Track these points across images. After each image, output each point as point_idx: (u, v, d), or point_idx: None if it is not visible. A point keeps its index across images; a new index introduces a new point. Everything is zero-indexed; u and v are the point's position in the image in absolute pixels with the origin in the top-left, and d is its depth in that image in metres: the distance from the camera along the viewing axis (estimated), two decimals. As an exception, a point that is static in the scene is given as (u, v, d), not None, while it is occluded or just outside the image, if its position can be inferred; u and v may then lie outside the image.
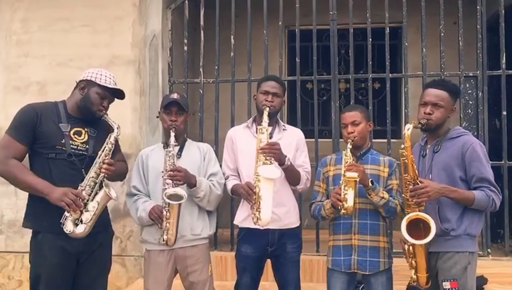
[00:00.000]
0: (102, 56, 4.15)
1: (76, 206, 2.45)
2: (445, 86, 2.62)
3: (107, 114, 2.70)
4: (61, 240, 2.54)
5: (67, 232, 2.47)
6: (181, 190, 2.67)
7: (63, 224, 2.47)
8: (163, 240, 2.68)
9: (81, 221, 2.50)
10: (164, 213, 2.65)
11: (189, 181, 2.75)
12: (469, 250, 2.54)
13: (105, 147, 2.63)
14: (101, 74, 2.69)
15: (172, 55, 4.44)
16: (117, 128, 2.68)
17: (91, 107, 2.65)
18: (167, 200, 2.62)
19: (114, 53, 4.22)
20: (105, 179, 2.59)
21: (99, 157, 2.60)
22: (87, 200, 2.52)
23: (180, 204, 2.64)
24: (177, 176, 2.68)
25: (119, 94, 2.79)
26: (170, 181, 2.68)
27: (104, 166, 2.56)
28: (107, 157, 2.61)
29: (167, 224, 2.66)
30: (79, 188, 2.52)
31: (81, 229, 2.49)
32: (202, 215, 2.89)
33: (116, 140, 2.83)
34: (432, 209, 2.54)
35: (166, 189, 2.66)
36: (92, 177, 2.56)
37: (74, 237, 2.50)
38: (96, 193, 2.56)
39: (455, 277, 2.49)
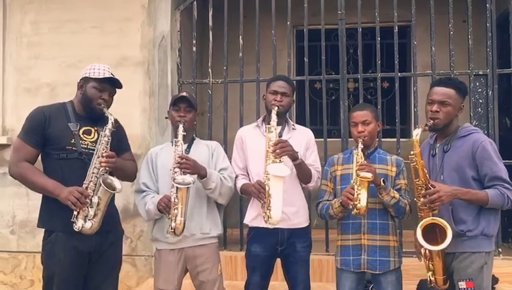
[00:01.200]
0: (111, 58, 4.18)
1: (81, 203, 2.46)
2: (452, 84, 2.60)
3: (105, 107, 2.66)
4: (74, 239, 2.57)
5: (76, 229, 2.48)
6: (190, 177, 2.67)
7: (74, 223, 2.49)
8: (171, 229, 2.65)
9: (88, 218, 2.51)
10: (173, 199, 2.66)
11: (199, 172, 2.76)
12: (485, 250, 2.52)
13: (100, 140, 2.61)
14: (93, 69, 2.69)
15: (181, 56, 4.46)
16: (112, 121, 2.64)
17: (91, 102, 2.66)
18: (176, 185, 2.62)
19: (123, 55, 4.25)
20: (107, 172, 2.57)
21: (96, 152, 2.59)
22: (92, 196, 2.52)
23: (188, 190, 2.64)
24: (185, 163, 2.69)
25: (117, 84, 2.76)
26: (178, 169, 2.69)
27: (103, 159, 2.55)
28: (105, 150, 2.59)
29: (175, 211, 2.64)
30: (83, 185, 2.53)
31: (88, 225, 2.50)
32: (211, 214, 2.90)
33: (125, 138, 2.87)
34: (445, 211, 2.52)
35: (174, 176, 2.67)
36: (93, 173, 2.55)
37: (84, 234, 2.51)
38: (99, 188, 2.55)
39: (471, 277, 2.47)
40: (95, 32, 4.30)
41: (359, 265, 2.68)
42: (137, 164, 3.04)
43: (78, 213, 2.49)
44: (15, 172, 2.62)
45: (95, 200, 2.50)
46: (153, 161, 2.93)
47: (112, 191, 2.54)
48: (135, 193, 2.98)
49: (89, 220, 2.50)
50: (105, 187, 2.50)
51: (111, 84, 2.72)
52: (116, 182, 2.58)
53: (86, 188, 2.52)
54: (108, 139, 2.61)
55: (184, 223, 2.67)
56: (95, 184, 2.53)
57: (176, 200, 2.65)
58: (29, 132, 2.63)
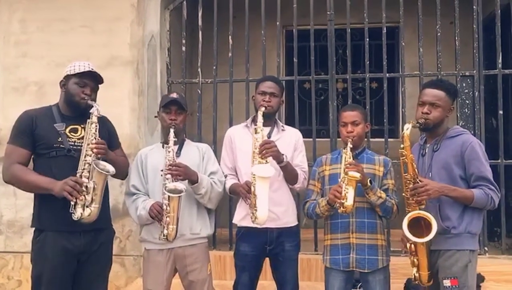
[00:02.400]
0: (101, 57, 4.16)
1: (77, 191, 2.46)
2: (442, 86, 2.65)
3: (89, 99, 2.66)
4: (63, 239, 2.58)
5: (75, 218, 2.47)
6: (181, 184, 2.68)
7: (73, 213, 2.48)
8: (164, 235, 2.67)
9: (86, 205, 2.50)
10: (165, 207, 2.66)
11: (190, 177, 2.76)
12: (469, 248, 2.56)
13: (88, 127, 2.61)
14: (74, 66, 2.70)
15: (170, 56, 4.45)
16: (97, 108, 2.63)
17: (74, 98, 2.67)
18: (168, 193, 2.63)
19: (112, 54, 4.23)
20: (99, 159, 2.57)
21: (86, 140, 2.59)
22: (87, 183, 2.50)
23: (180, 198, 2.64)
24: (177, 170, 2.70)
25: (98, 78, 2.75)
26: (170, 176, 2.69)
27: (94, 145, 2.55)
28: (94, 137, 2.59)
29: (167, 218, 2.65)
30: (76, 174, 2.53)
31: (86, 213, 2.49)
32: (201, 215, 2.90)
33: (115, 136, 2.89)
34: (433, 208, 2.57)
35: (166, 183, 2.67)
36: (85, 160, 2.55)
37: (84, 222, 2.50)
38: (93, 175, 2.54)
39: (455, 275, 2.51)
40: (84, 31, 4.28)
41: (348, 264, 2.71)
42: (127, 164, 3.04)
43: (76, 203, 2.48)
44: (8, 175, 2.64)
45: (90, 185, 2.50)
46: (142, 163, 2.92)
47: (106, 173, 2.54)
48: (125, 195, 2.97)
49: (87, 207, 2.49)
50: (98, 169, 2.50)
51: (93, 79, 2.72)
52: (108, 165, 2.58)
53: (80, 176, 2.51)
54: (96, 126, 2.61)
55: (177, 230, 2.68)
56: (89, 171, 2.53)
57: (168, 208, 2.65)
58: (18, 135, 2.65)
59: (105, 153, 2.62)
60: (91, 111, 2.64)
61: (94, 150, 2.55)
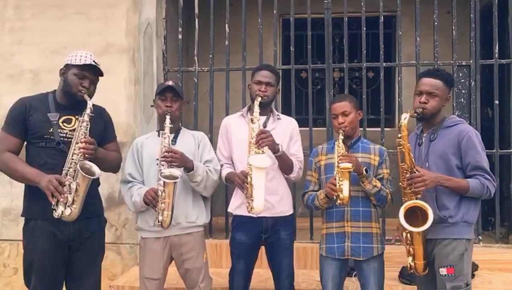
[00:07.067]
0: (96, 44, 4.13)
1: (58, 192, 2.44)
2: (439, 75, 2.65)
3: (86, 94, 2.62)
4: (52, 226, 2.58)
5: (56, 216, 2.46)
6: (177, 171, 2.68)
7: (54, 209, 2.47)
8: (158, 222, 2.66)
9: (68, 204, 2.48)
10: (160, 193, 2.66)
11: (186, 165, 2.76)
12: (466, 237, 2.58)
13: (79, 126, 2.58)
14: (76, 56, 2.66)
15: (166, 44, 4.42)
16: (90, 106, 2.60)
17: (71, 89, 2.65)
18: (163, 179, 2.63)
19: (108, 41, 4.20)
20: (86, 159, 2.53)
21: (75, 138, 2.56)
22: (70, 183, 2.48)
23: (175, 184, 2.65)
24: (172, 157, 2.69)
25: (98, 71, 2.73)
26: (165, 163, 2.69)
27: (81, 145, 2.52)
28: (83, 136, 2.55)
29: (162, 205, 2.65)
30: (62, 171, 2.51)
31: (67, 212, 2.46)
32: (197, 203, 2.91)
33: (112, 128, 2.85)
34: (430, 197, 2.58)
35: (161, 169, 2.67)
36: (72, 159, 2.52)
37: (64, 221, 2.49)
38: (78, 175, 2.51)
39: (452, 264, 2.53)
40: (80, 18, 4.24)
41: (343, 252, 2.73)
42: (123, 152, 3.03)
43: (58, 200, 2.47)
44: None
45: (73, 186, 2.48)
46: (138, 151, 2.92)
47: (90, 177, 2.51)
48: (121, 183, 2.97)
49: (68, 206, 2.47)
50: (82, 173, 2.47)
51: (93, 71, 2.70)
52: (94, 167, 2.55)
53: (66, 174, 2.50)
54: (87, 124, 2.58)
55: (171, 217, 2.68)
56: (74, 170, 2.50)
57: (163, 194, 2.65)
58: (10, 123, 2.65)
59: (92, 154, 2.57)
60: (85, 111, 2.59)
61: (81, 150, 2.51)
